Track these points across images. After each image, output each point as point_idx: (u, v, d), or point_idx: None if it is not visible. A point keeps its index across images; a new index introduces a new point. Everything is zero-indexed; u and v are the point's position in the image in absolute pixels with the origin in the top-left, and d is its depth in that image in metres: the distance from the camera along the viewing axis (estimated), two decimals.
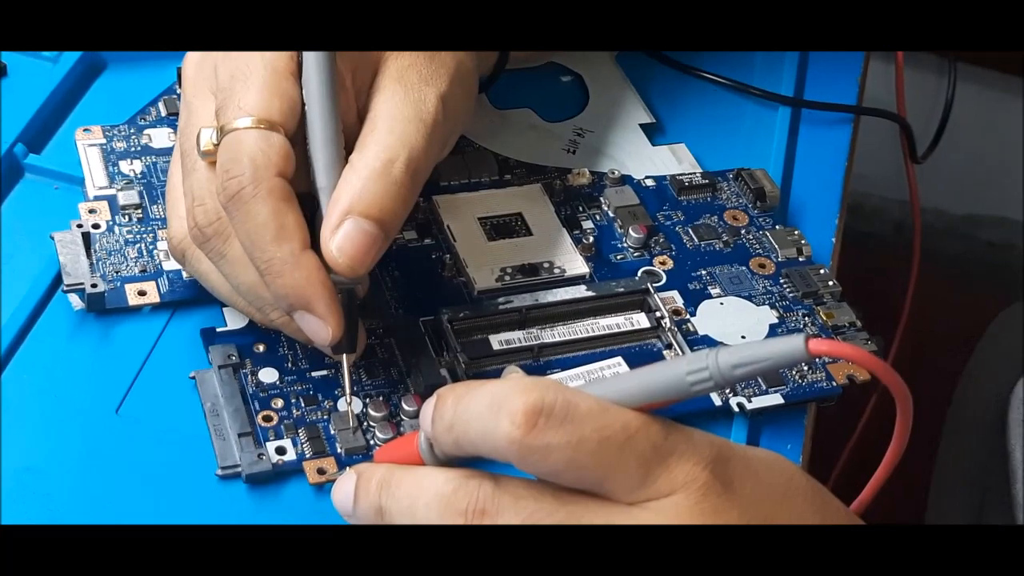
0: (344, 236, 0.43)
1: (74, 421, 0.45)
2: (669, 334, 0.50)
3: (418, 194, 0.46)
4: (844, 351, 0.36)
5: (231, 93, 0.44)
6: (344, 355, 0.45)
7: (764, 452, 0.39)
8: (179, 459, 0.45)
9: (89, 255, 0.49)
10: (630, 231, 0.54)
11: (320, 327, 0.43)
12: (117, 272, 0.49)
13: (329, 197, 0.44)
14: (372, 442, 0.46)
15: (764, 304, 0.52)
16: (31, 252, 0.50)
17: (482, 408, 0.37)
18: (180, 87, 0.48)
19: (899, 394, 0.37)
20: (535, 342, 0.49)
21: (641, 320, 0.51)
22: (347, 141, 0.45)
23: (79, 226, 0.50)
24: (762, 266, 0.54)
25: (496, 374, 0.48)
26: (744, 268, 0.54)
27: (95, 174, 0.53)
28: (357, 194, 0.43)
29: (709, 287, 0.53)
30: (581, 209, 0.55)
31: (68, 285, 0.48)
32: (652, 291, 0.51)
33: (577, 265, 0.53)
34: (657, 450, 0.36)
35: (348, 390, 0.46)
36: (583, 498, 0.37)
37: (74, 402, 0.46)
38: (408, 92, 0.46)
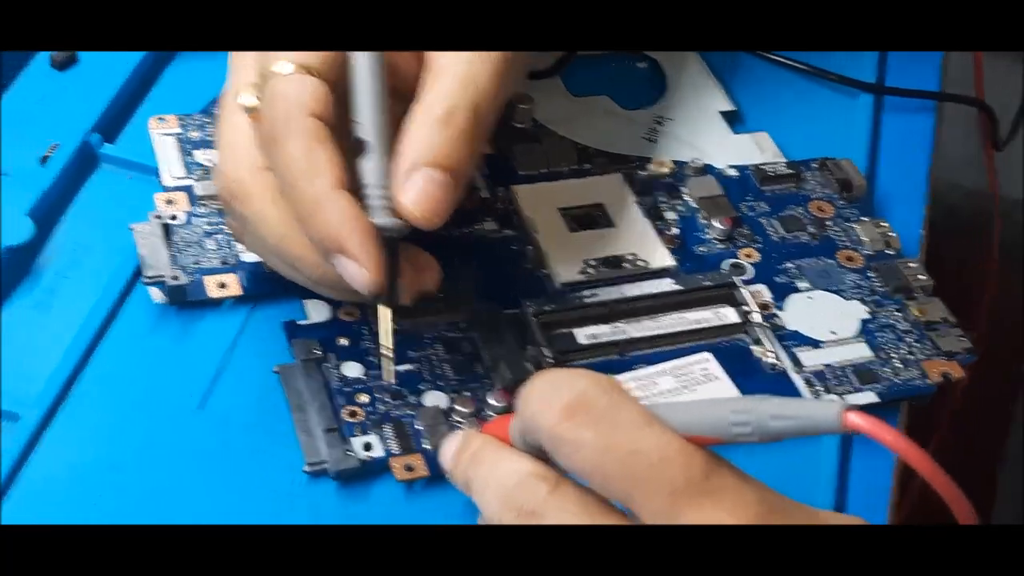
0: (416, 189, 0.42)
1: (158, 417, 0.45)
2: (758, 329, 0.49)
3: (488, 137, 0.45)
4: (886, 437, 0.32)
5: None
6: (385, 308, 0.43)
7: (839, 518, 0.36)
8: (265, 455, 0.44)
9: (168, 247, 0.49)
10: (714, 223, 0.53)
11: (359, 273, 0.42)
12: (197, 264, 0.49)
13: (374, 141, 0.43)
14: None
15: (854, 299, 0.51)
16: (108, 243, 0.50)
17: (541, 390, 0.37)
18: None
19: (960, 512, 0.33)
20: (621, 336, 0.48)
21: (729, 315, 0.50)
22: (405, 85, 0.44)
23: (158, 217, 0.49)
24: (850, 259, 0.53)
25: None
26: (832, 261, 0.53)
27: (171, 164, 0.52)
28: (423, 145, 0.42)
29: (796, 281, 0.52)
30: (663, 199, 0.54)
31: (149, 278, 0.47)
32: (740, 285, 0.50)
33: (661, 257, 0.51)
34: (692, 485, 0.34)
35: (387, 347, 0.44)
36: (620, 519, 0.36)
37: (158, 398, 0.45)
38: None
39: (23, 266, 0.48)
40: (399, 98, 0.44)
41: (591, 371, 0.37)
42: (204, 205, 0.51)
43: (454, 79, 0.43)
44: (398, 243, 0.43)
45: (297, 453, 0.44)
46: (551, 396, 0.36)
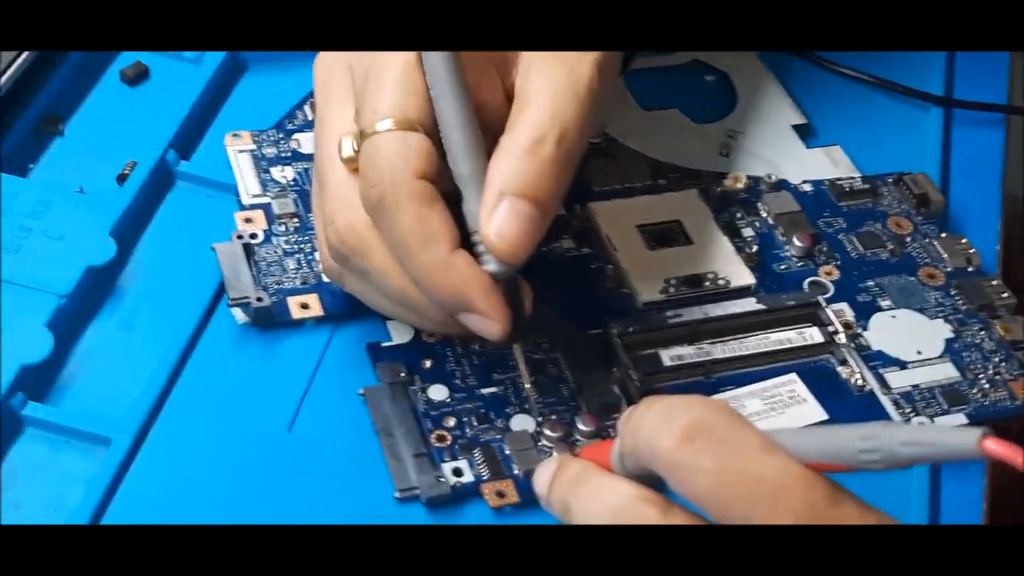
0: (501, 219, 0.42)
1: (247, 440, 0.44)
2: (844, 350, 0.49)
3: (575, 170, 0.44)
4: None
5: (365, 96, 0.43)
6: (516, 344, 0.44)
7: None
8: (354, 479, 0.44)
9: (250, 267, 0.48)
10: (794, 240, 0.52)
11: (487, 325, 0.42)
12: (279, 284, 0.48)
13: (472, 185, 0.42)
14: None
15: (937, 317, 0.51)
16: (189, 262, 0.49)
17: (655, 415, 0.36)
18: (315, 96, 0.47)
19: None
20: (706, 358, 0.48)
21: (814, 335, 0.49)
22: (496, 122, 0.43)
23: (239, 237, 0.49)
24: (931, 276, 0.52)
25: (668, 391, 0.47)
26: (913, 279, 0.52)
27: (248, 181, 0.52)
28: (509, 175, 0.42)
29: (879, 299, 0.51)
30: (740, 216, 0.54)
31: (233, 299, 0.47)
32: (824, 304, 0.50)
33: (742, 276, 0.51)
34: (814, 514, 0.34)
35: (527, 378, 0.45)
36: None
37: (246, 420, 0.45)
38: (558, 60, 0.44)
39: (105, 286, 0.48)
40: (490, 134, 0.43)
41: (706, 397, 0.37)
42: (283, 223, 0.51)
43: (541, 109, 0.43)
44: (517, 280, 0.43)
45: (386, 477, 0.44)
46: (668, 421, 0.36)
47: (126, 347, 0.47)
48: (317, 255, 0.49)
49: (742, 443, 0.35)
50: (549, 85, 0.43)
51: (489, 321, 0.42)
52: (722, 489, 0.35)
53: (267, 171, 0.53)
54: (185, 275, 0.49)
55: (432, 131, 0.42)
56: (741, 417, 0.36)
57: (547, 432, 0.45)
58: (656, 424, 0.36)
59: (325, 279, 0.48)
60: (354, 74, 0.44)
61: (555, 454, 0.44)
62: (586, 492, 0.39)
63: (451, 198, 0.43)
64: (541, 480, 0.41)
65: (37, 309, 0.46)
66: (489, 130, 0.43)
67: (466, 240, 0.42)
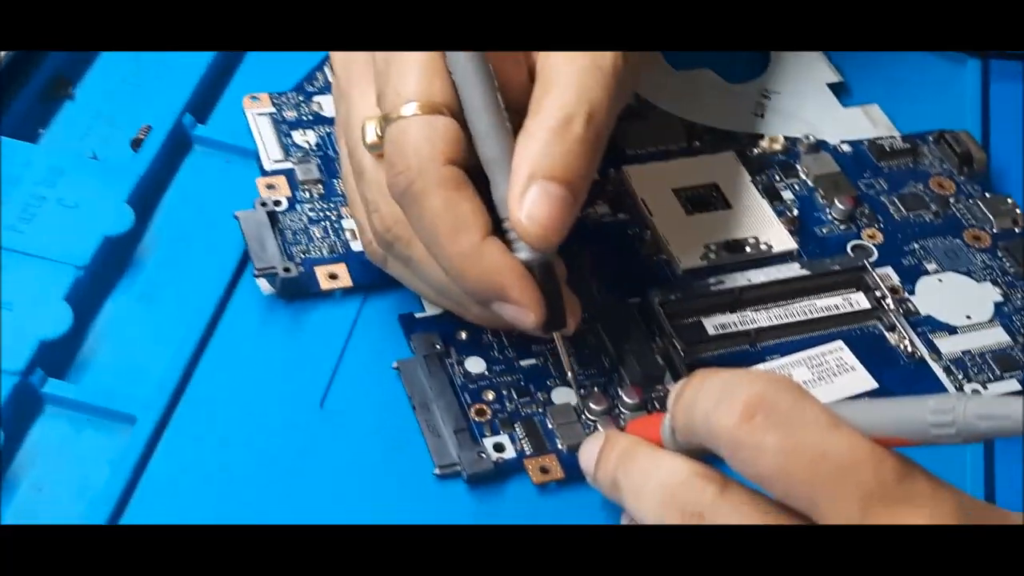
0: (532, 203, 0.39)
1: (278, 416, 0.43)
2: (892, 315, 0.47)
3: (604, 150, 0.42)
4: None
5: (388, 79, 0.41)
6: (556, 333, 0.42)
7: None
8: (391, 455, 0.42)
9: (276, 236, 0.46)
10: (836, 202, 0.51)
11: (522, 314, 0.40)
12: (306, 254, 0.46)
13: (499, 169, 0.40)
14: None
15: (985, 280, 0.49)
16: (210, 231, 0.47)
17: (711, 391, 0.35)
18: (332, 73, 0.45)
19: None
20: (751, 326, 0.46)
21: (860, 300, 0.47)
22: (520, 101, 0.41)
23: (263, 204, 0.47)
24: (977, 238, 0.51)
25: (713, 361, 0.45)
26: (958, 241, 0.50)
27: (268, 146, 0.50)
28: (538, 157, 0.40)
29: (924, 262, 0.50)
30: (778, 178, 0.52)
31: (260, 269, 0.45)
32: (870, 268, 0.48)
33: (783, 240, 0.49)
34: (885, 490, 0.32)
35: (568, 368, 0.43)
36: (797, 522, 0.34)
37: (276, 396, 0.43)
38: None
39: (124, 256, 0.46)
40: (514, 114, 0.41)
41: (765, 371, 0.36)
42: (307, 190, 0.49)
43: (568, 88, 0.41)
44: (553, 267, 0.41)
45: (423, 453, 0.42)
46: (727, 397, 0.34)
47: (147, 320, 0.45)
48: (346, 224, 0.47)
49: (806, 419, 0.33)
50: (573, 64, 0.41)
51: (524, 310, 0.40)
52: (787, 467, 0.33)
53: (288, 135, 0.50)
54: (206, 244, 0.47)
55: (458, 114, 0.40)
56: (804, 391, 0.34)
57: (591, 406, 0.43)
58: (714, 401, 0.35)
59: (355, 249, 0.47)
60: (376, 58, 0.42)
61: (600, 428, 0.43)
62: (637, 469, 0.38)
63: (480, 184, 0.41)
64: (587, 456, 0.40)
65: (54, 281, 0.44)
66: (512, 109, 0.41)
67: (497, 228, 0.40)
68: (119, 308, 0.45)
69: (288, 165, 0.49)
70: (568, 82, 0.41)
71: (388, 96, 0.40)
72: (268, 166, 0.49)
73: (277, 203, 0.48)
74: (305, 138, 0.50)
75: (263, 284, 0.46)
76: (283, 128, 0.51)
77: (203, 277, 0.46)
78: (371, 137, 0.41)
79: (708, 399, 0.35)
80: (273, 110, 0.51)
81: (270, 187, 0.48)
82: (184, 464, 0.41)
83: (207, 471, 0.41)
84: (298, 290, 0.46)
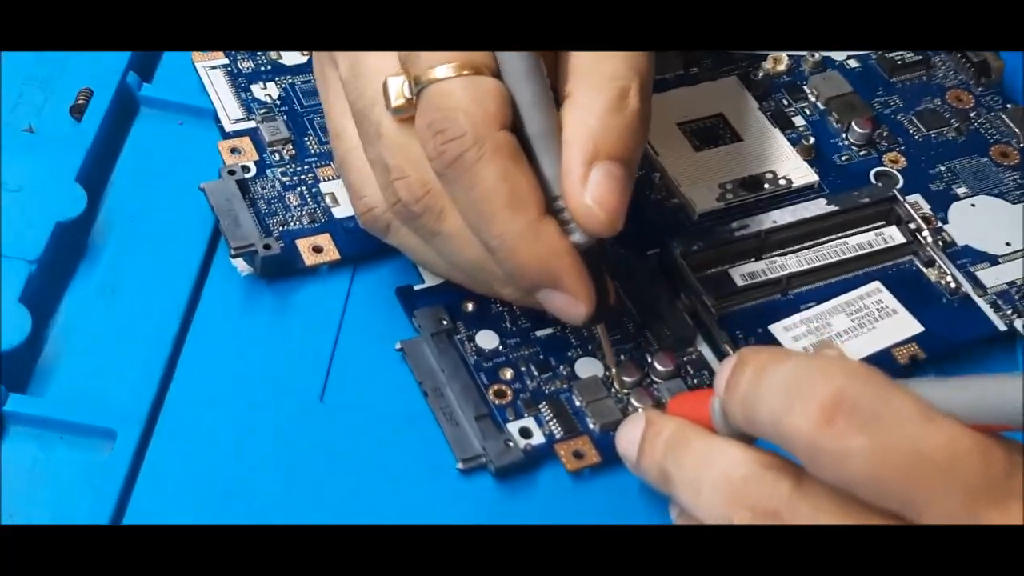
0: (597, 186, 0.35)
1: (275, 416, 0.38)
2: (929, 248, 0.43)
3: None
4: None
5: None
6: (599, 325, 0.38)
7: None
8: (404, 451, 0.38)
9: (249, 208, 0.41)
10: (853, 125, 0.46)
11: (571, 304, 0.36)
12: (283, 226, 0.41)
13: (545, 144, 0.36)
14: (629, 413, 0.39)
15: (1020, 201, 0.45)
16: (172, 206, 0.42)
17: (777, 388, 0.31)
18: None
19: None
20: (781, 272, 0.42)
21: (893, 235, 0.44)
22: (549, 66, 0.37)
23: (230, 172, 0.42)
24: (1004, 155, 0.47)
25: (742, 315, 0.41)
26: (985, 159, 0.47)
27: (227, 103, 0.45)
28: (599, 135, 0.35)
29: (953, 186, 0.46)
30: (786, 103, 0.48)
31: (236, 248, 0.40)
32: (900, 198, 0.44)
33: (803, 173, 0.45)
34: (993, 486, 0.29)
35: (612, 363, 0.39)
36: (886, 520, 0.30)
37: (269, 392, 0.38)
38: None
39: (78, 244, 0.41)
40: None
41: (839, 359, 0.31)
42: (275, 151, 0.43)
43: (613, 57, 0.36)
44: (600, 252, 0.37)
45: (441, 445, 0.38)
46: (799, 397, 0.30)
47: (113, 316, 0.39)
48: (324, 188, 0.42)
49: (895, 414, 0.29)
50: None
51: (575, 301, 0.36)
52: (878, 472, 0.29)
53: (247, 89, 0.45)
54: (169, 222, 0.42)
55: (498, 77, 0.35)
56: (886, 379, 0.30)
57: (623, 378, 0.39)
58: (782, 400, 0.31)
59: (337, 215, 0.42)
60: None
61: (637, 405, 0.38)
62: (691, 458, 0.34)
63: None
64: (627, 442, 0.36)
65: (5, 281, 0.38)
66: None
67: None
68: (79, 304, 0.40)
69: (251, 124, 0.44)
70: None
71: (422, 54, 0.35)
72: (229, 127, 0.44)
73: (246, 169, 0.42)
74: (266, 92, 0.45)
75: (240, 264, 0.41)
76: (240, 82, 0.45)
77: (170, 261, 0.41)
78: (398, 100, 0.35)
79: (774, 398, 0.31)
80: (227, 61, 0.46)
81: (234, 151, 0.43)
82: (176, 480, 0.36)
83: (202, 485, 0.36)
84: (280, 268, 0.41)
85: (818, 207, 0.43)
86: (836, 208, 0.43)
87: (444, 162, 0.35)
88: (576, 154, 0.35)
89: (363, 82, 0.37)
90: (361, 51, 0.37)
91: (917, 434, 0.29)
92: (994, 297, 0.42)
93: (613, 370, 0.39)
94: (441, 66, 0.35)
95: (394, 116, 0.36)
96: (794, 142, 0.46)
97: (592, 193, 0.35)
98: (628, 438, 0.36)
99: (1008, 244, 0.44)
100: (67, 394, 0.38)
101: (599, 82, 0.36)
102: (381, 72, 0.36)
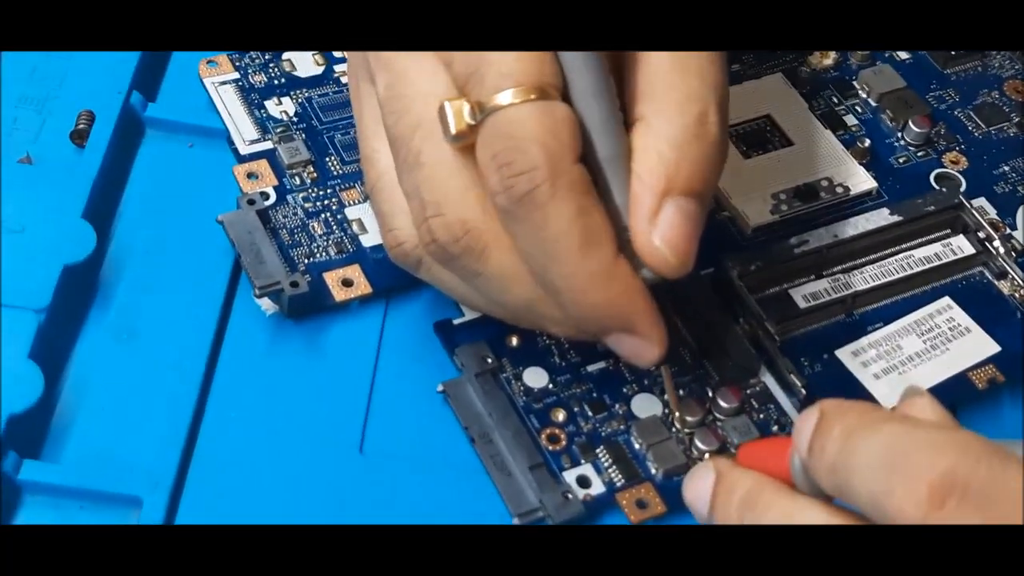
0: (669, 225, 0.32)
1: (311, 470, 0.35)
2: (1001, 259, 0.40)
3: None
4: None
5: (483, 53, 0.32)
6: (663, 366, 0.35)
7: None
8: (455, 504, 0.35)
9: (271, 240, 0.38)
10: (910, 124, 0.43)
11: (645, 348, 0.33)
12: (309, 258, 0.38)
13: (618, 169, 0.32)
14: (690, 457, 0.36)
15: None
16: (187, 240, 0.39)
17: (875, 460, 0.28)
18: None
19: None
20: (846, 291, 0.39)
21: (962, 245, 0.41)
22: (618, 85, 0.33)
23: (250, 202, 0.39)
24: None
25: (806, 340, 0.38)
26: None
27: (239, 122, 0.41)
28: (673, 166, 0.32)
29: (1019, 188, 0.43)
30: (836, 101, 0.45)
31: (261, 287, 0.37)
32: (967, 204, 0.41)
33: (860, 178, 0.42)
34: None
35: (676, 407, 0.36)
36: None
37: (305, 445, 0.35)
38: None
39: (88, 287, 0.38)
40: None
41: (946, 426, 0.28)
42: (295, 175, 0.40)
43: (689, 74, 0.33)
44: (664, 290, 0.34)
45: (491, 495, 0.35)
46: (904, 475, 0.27)
47: (130, 365, 0.36)
48: (350, 214, 0.39)
49: (1012, 491, 0.27)
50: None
51: (649, 345, 0.33)
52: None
53: (261, 106, 0.42)
54: (185, 258, 0.39)
55: (566, 100, 0.32)
56: (1001, 451, 0.27)
57: (686, 418, 0.36)
58: (882, 477, 0.27)
59: (366, 244, 0.39)
60: None
61: (703, 449, 0.36)
62: (772, 522, 0.31)
63: None
64: (697, 496, 0.32)
65: (13, 334, 0.35)
66: None
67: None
68: (93, 355, 0.37)
69: (267, 145, 0.41)
70: (685, 63, 0.33)
71: (488, 76, 0.31)
72: (243, 149, 0.41)
73: (265, 196, 0.39)
74: (282, 108, 0.42)
75: (266, 303, 0.38)
76: (252, 98, 0.42)
77: (190, 301, 0.38)
78: (457, 125, 0.32)
79: (873, 473, 0.28)
80: (236, 76, 0.43)
81: (251, 176, 0.40)
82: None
83: None
84: (308, 305, 0.38)
85: (881, 217, 0.41)
86: (900, 218, 0.41)
87: (512, 198, 0.31)
88: (647, 188, 0.32)
89: (404, 103, 0.33)
90: (402, 65, 0.33)
91: None
92: None
93: (677, 413, 0.36)
94: (506, 91, 0.31)
95: (452, 144, 0.32)
96: (847, 144, 0.43)
97: (663, 233, 0.32)
98: (697, 492, 0.32)
99: None
100: (85, 458, 0.34)
101: (675, 103, 0.32)
102: (426, 94, 0.32)
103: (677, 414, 0.36)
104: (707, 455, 0.35)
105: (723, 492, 0.32)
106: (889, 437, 0.28)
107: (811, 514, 0.30)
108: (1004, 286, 0.40)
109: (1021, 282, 0.40)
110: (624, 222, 0.32)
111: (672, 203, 0.32)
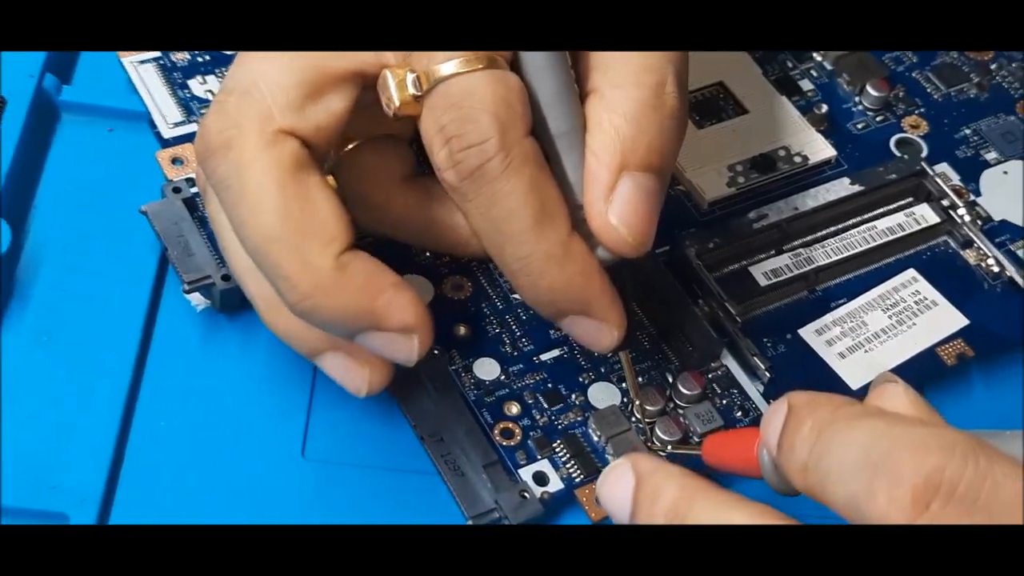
0: (624, 202, 0.30)
1: (250, 477, 0.33)
2: (966, 228, 0.39)
3: None
4: None
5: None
6: (623, 352, 0.33)
7: None
8: (405, 508, 0.33)
9: (200, 230, 0.36)
10: (868, 88, 0.42)
11: (602, 332, 0.31)
12: None
13: (572, 144, 0.30)
14: (651, 447, 0.34)
15: None
16: (109, 233, 0.36)
17: (852, 460, 0.26)
18: None
19: None
20: (807, 267, 0.38)
21: (926, 214, 0.39)
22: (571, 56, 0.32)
23: (175, 190, 0.36)
24: None
25: (768, 319, 0.37)
26: (1012, 118, 0.42)
27: (162, 104, 0.39)
28: (630, 140, 0.30)
29: (981, 151, 0.41)
30: (791, 65, 0.43)
31: (190, 283, 0.35)
32: (929, 171, 0.40)
33: (819, 147, 0.40)
34: None
35: (635, 394, 0.34)
36: None
37: (243, 451, 0.33)
38: None
39: (3, 286, 0.35)
40: None
41: (926, 420, 0.27)
42: None
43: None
44: (624, 270, 0.32)
45: (444, 497, 0.33)
46: (886, 477, 0.25)
47: (51, 369, 0.34)
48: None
49: (1000, 494, 0.25)
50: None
51: (607, 328, 0.31)
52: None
53: (184, 86, 0.39)
54: (108, 252, 0.36)
55: (515, 71, 0.30)
56: (986, 447, 0.25)
57: (646, 407, 0.34)
58: (863, 476, 0.25)
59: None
60: None
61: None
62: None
63: None
64: (614, 502, 0.28)
65: None
66: None
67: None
68: (10, 359, 0.34)
69: (192, 127, 0.38)
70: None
71: (418, 55, 0.29)
72: (167, 132, 0.38)
73: (191, 183, 0.37)
74: (206, 87, 0.39)
75: (196, 298, 0.35)
76: (175, 77, 0.39)
77: (113, 299, 0.35)
78: (400, 95, 0.29)
79: (851, 473, 0.25)
80: (157, 54, 0.40)
81: (176, 161, 0.38)
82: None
83: None
84: (242, 299, 0.35)
85: (842, 187, 0.39)
86: (862, 188, 0.39)
87: (461, 173, 0.29)
88: (602, 164, 0.30)
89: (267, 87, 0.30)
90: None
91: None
92: None
93: (637, 401, 0.34)
94: (453, 60, 0.29)
95: (394, 116, 0.30)
96: (804, 110, 0.41)
97: (618, 210, 0.30)
98: (614, 496, 0.29)
99: None
100: (5, 472, 0.32)
101: (631, 74, 0.30)
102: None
103: (637, 403, 0.34)
104: (670, 447, 0.34)
105: (645, 500, 0.28)
106: (867, 436, 0.26)
107: (740, 517, 0.28)
108: (970, 256, 0.39)
109: (987, 251, 0.38)
110: (578, 200, 0.30)
111: (629, 179, 0.30)
